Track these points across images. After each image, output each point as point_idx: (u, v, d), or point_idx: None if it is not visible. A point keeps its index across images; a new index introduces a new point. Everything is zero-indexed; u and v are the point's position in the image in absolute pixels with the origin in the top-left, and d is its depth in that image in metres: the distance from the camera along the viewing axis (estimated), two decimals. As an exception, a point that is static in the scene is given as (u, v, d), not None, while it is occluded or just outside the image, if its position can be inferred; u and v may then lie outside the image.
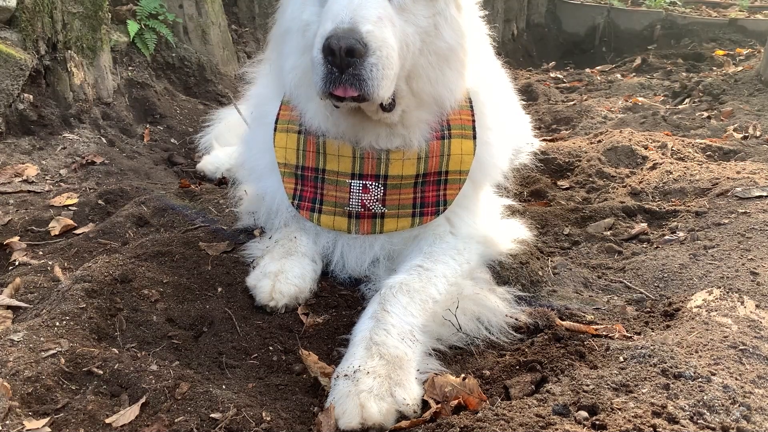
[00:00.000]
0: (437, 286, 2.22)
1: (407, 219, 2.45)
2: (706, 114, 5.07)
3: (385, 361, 1.87)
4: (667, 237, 2.87)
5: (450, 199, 2.46)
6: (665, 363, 1.77)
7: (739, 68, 6.28)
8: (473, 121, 2.48)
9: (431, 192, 2.45)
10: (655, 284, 2.51)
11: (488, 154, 2.55)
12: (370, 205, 2.43)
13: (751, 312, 2.07)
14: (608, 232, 3.01)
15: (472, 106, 2.50)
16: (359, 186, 2.41)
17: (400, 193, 2.42)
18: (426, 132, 2.38)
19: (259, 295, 2.32)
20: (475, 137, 2.47)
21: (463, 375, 1.91)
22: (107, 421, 1.70)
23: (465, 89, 2.42)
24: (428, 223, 2.46)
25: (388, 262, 2.50)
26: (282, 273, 2.35)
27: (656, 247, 2.81)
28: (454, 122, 2.43)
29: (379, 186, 2.40)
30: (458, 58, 2.31)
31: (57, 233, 2.91)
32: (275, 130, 2.52)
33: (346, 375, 1.83)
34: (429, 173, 2.42)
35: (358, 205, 2.43)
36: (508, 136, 2.96)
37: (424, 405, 1.83)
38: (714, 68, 6.90)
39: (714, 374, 1.71)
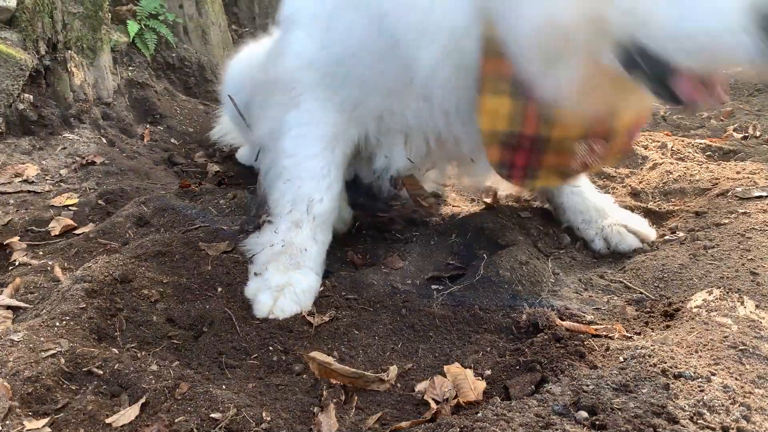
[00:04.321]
0: None
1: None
2: (706, 114, 5.07)
3: None
4: (667, 237, 2.87)
5: None
6: (665, 363, 1.77)
7: (739, 68, 6.27)
8: None
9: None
10: (655, 284, 2.50)
11: None
12: (590, 163, 2.31)
13: (751, 312, 2.07)
14: (608, 232, 3.00)
15: None
16: (585, 148, 2.26)
17: (616, 144, 2.32)
18: None
19: (258, 310, 2.27)
20: None
21: (463, 375, 1.91)
22: (107, 421, 1.70)
23: None
24: None
25: None
26: (287, 287, 2.30)
27: (656, 248, 2.81)
28: None
29: (605, 144, 2.27)
30: None
31: (57, 233, 2.91)
32: (482, 90, 2.17)
33: None
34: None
35: (578, 166, 2.31)
36: None
37: (425, 405, 1.83)
38: (714, 68, 6.88)
39: (714, 374, 1.71)
